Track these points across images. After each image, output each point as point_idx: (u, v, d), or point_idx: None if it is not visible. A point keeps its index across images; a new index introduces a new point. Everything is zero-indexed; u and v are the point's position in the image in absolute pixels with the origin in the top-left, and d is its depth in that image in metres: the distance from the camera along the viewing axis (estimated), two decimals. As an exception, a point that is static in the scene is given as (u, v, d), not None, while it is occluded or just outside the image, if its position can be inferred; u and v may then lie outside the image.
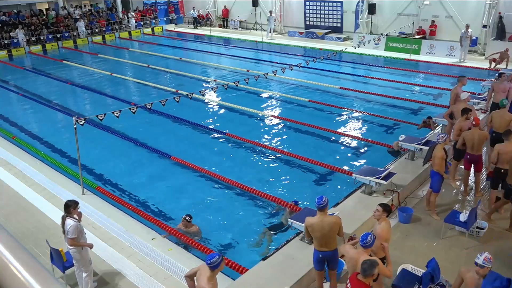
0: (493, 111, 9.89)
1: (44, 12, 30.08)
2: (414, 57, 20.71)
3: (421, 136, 10.50)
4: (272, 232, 7.90)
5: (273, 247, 7.25)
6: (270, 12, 26.88)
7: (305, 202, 8.51)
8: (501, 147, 7.76)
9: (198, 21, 31.82)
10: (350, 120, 13.52)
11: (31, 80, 20.30)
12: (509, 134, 7.75)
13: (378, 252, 5.50)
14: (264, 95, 16.50)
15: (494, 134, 9.32)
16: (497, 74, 11.95)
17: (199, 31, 30.97)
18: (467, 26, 19.02)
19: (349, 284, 4.74)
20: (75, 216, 6.14)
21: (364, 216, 7.55)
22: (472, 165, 8.53)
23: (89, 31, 29.25)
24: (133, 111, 9.71)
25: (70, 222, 5.99)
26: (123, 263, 7.01)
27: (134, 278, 6.63)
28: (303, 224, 6.63)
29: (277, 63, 20.11)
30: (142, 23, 32.14)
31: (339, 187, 9.44)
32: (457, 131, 8.91)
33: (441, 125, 11.10)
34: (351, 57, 21.28)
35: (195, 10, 31.58)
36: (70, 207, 6.09)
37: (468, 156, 8.46)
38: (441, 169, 7.63)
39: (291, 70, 14.01)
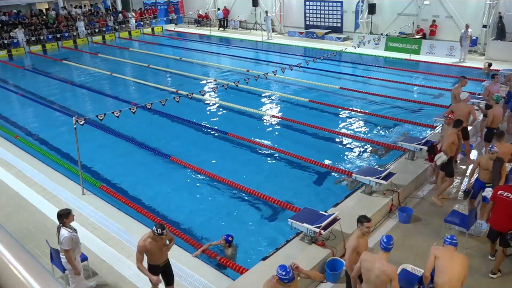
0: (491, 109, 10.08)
1: (44, 12, 30.09)
2: (414, 57, 20.71)
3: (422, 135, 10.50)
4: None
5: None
6: (266, 12, 26.82)
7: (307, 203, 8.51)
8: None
9: (245, 26, 30.11)
10: (350, 120, 13.51)
11: (31, 80, 20.30)
12: (502, 136, 7.82)
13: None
14: (264, 95, 16.49)
15: (487, 130, 9.78)
16: (490, 76, 12.10)
17: (200, 31, 30.98)
18: (467, 26, 19.02)
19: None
20: (70, 225, 5.96)
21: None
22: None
23: (89, 31, 29.27)
24: (133, 111, 9.71)
25: (64, 232, 5.78)
26: (123, 263, 7.01)
27: (134, 278, 6.63)
28: (303, 224, 6.65)
29: (277, 63, 20.12)
30: (142, 23, 32.14)
31: (339, 187, 9.44)
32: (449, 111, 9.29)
33: (441, 125, 11.10)
34: (351, 57, 21.27)
35: (239, 17, 30.15)
36: (63, 217, 5.86)
37: None
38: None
39: (291, 70, 14.01)
